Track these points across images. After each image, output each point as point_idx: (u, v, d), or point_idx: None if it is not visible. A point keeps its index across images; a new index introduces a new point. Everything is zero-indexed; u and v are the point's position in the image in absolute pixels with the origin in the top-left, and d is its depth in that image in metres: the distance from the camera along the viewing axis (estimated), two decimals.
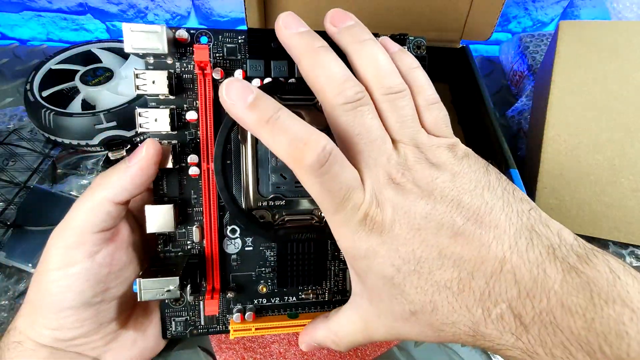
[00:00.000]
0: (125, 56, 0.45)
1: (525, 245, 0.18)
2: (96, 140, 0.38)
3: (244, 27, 0.42)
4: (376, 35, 0.25)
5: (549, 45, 0.40)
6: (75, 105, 0.40)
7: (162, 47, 0.23)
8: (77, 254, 0.23)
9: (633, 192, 0.34)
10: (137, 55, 0.23)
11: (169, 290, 0.23)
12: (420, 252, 0.19)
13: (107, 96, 0.41)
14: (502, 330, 0.18)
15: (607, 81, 0.36)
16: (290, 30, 0.21)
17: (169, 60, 0.25)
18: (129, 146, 0.40)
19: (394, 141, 0.21)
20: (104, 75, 0.42)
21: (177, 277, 0.23)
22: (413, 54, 0.25)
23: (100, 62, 0.44)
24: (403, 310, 0.20)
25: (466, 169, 0.21)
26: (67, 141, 0.38)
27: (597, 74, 0.36)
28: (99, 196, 0.23)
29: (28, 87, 0.41)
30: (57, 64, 0.44)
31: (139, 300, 0.23)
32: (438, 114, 0.22)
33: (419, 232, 0.19)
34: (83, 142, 0.38)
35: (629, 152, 0.34)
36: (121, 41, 0.47)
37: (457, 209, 0.20)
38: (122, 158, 0.32)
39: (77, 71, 0.42)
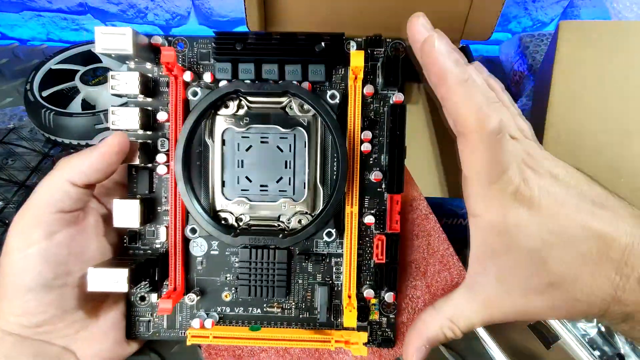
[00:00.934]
0: None
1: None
2: (96, 140, 0.38)
3: (244, 28, 0.42)
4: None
5: (549, 45, 0.40)
6: (75, 105, 0.40)
7: (128, 48, 0.24)
8: (35, 234, 0.23)
9: (633, 192, 0.34)
10: (106, 55, 0.24)
11: (117, 282, 0.23)
12: (567, 224, 0.22)
13: (107, 96, 0.41)
14: (638, 292, 0.21)
15: (607, 81, 0.36)
16: (445, 58, 0.22)
17: (148, 65, 0.26)
18: None
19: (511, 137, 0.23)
20: (104, 75, 0.42)
21: (127, 269, 0.23)
22: (390, 55, 0.26)
23: (100, 62, 0.44)
24: (540, 283, 0.22)
25: (568, 166, 0.24)
26: (67, 141, 0.38)
27: (597, 74, 0.36)
28: (57, 176, 0.24)
29: (28, 87, 0.41)
30: (57, 64, 0.44)
31: (88, 289, 0.23)
32: (525, 124, 0.26)
33: (562, 208, 0.22)
34: (83, 142, 0.38)
35: (628, 153, 0.34)
36: None
37: (583, 195, 0.23)
38: None
39: (77, 71, 0.42)
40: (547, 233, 0.22)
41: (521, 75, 0.49)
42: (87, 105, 0.41)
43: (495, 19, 0.40)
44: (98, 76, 0.42)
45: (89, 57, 0.45)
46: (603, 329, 0.32)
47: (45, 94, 0.41)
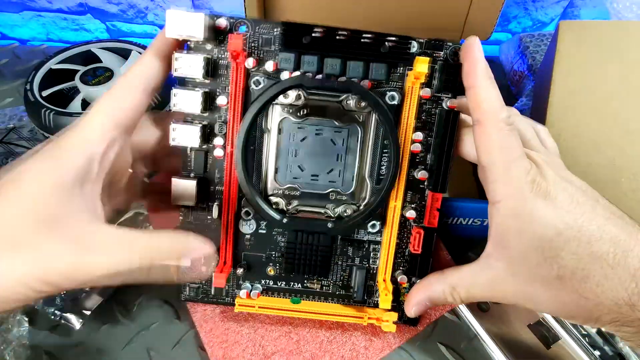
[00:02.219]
0: (125, 56, 0.45)
1: None
2: None
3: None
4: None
5: (549, 45, 0.40)
6: (75, 105, 0.40)
7: (199, 34, 0.24)
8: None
9: (633, 192, 0.34)
10: (177, 39, 0.25)
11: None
12: (582, 221, 0.22)
13: None
14: None
15: (607, 81, 0.36)
16: (480, 53, 0.25)
17: (208, 46, 0.26)
18: None
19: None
20: (104, 75, 0.42)
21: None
22: (451, 61, 0.27)
23: (100, 62, 0.44)
24: (549, 274, 0.23)
25: (584, 183, 0.25)
26: None
27: (597, 74, 0.36)
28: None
29: (28, 87, 0.41)
30: (57, 64, 0.44)
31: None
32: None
33: (579, 205, 0.23)
34: None
35: (629, 152, 0.34)
36: (121, 41, 0.47)
37: (599, 203, 0.23)
38: None
39: (77, 71, 0.42)
40: (562, 223, 0.22)
41: (521, 75, 0.49)
42: (87, 105, 0.41)
43: (495, 18, 0.40)
44: (98, 76, 0.42)
45: (89, 57, 0.45)
46: (603, 329, 0.32)
47: (45, 94, 0.41)
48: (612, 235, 0.22)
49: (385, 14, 0.41)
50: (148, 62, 0.25)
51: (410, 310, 0.28)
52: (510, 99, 0.50)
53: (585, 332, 0.32)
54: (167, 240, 0.23)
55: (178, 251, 0.23)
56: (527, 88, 0.47)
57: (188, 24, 0.24)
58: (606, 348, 0.31)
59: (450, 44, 0.27)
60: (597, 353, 0.31)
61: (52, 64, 0.43)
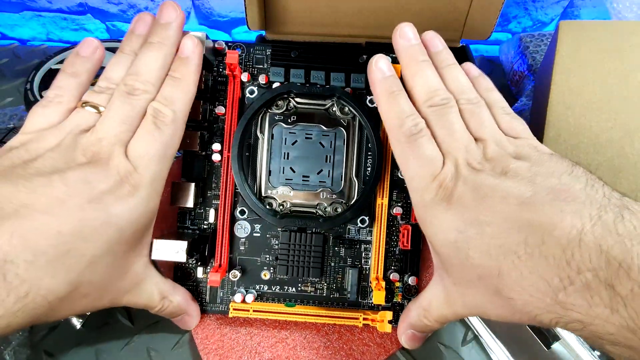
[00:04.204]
0: None
1: (612, 218, 0.18)
2: None
3: (244, 28, 0.42)
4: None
5: (549, 45, 0.40)
6: None
7: (183, 257, 0.27)
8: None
9: (633, 192, 0.34)
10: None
11: (177, 252, 0.27)
12: (484, 217, 0.21)
13: None
14: (590, 301, 0.18)
15: (607, 81, 0.36)
16: (404, 41, 0.27)
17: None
18: None
19: (477, 139, 0.24)
20: None
21: (186, 242, 0.27)
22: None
23: None
24: (471, 275, 0.22)
25: (547, 161, 0.22)
26: None
27: (597, 74, 0.36)
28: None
29: (28, 86, 0.41)
30: (57, 63, 0.44)
31: (151, 257, 0.27)
32: (511, 120, 0.26)
33: (484, 200, 0.21)
34: None
35: (629, 152, 0.34)
36: (121, 41, 0.47)
37: (528, 184, 0.21)
38: None
39: None
40: (462, 223, 0.21)
41: (521, 75, 0.49)
42: None
43: (495, 18, 0.40)
44: (97, 76, 0.42)
45: None
46: (560, 330, 0.32)
47: (45, 93, 0.41)
48: (522, 223, 0.19)
49: (384, 14, 0.41)
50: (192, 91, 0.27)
51: (400, 340, 0.29)
52: (510, 99, 0.50)
53: None
54: (180, 299, 0.29)
55: (182, 310, 0.29)
56: (527, 88, 0.47)
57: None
58: None
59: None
60: (596, 353, 0.31)
61: (52, 64, 0.43)
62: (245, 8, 0.40)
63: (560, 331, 0.31)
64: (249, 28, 0.42)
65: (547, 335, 0.31)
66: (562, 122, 0.36)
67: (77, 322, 0.31)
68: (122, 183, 0.23)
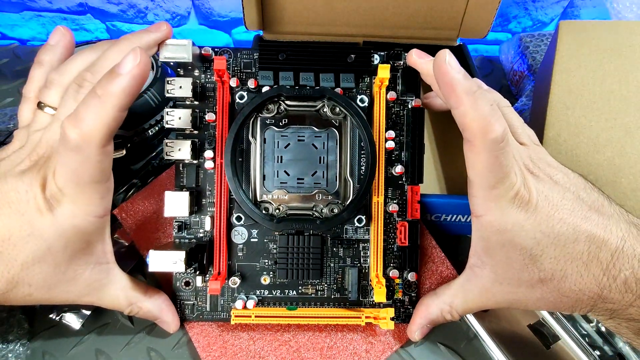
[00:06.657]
0: None
1: (636, 232, 0.24)
2: None
3: (243, 28, 0.42)
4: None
5: (549, 45, 0.40)
6: None
7: (188, 56, 0.27)
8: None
9: (633, 192, 0.34)
10: (167, 64, 0.29)
11: (175, 263, 0.26)
12: (559, 227, 0.24)
13: None
14: (623, 292, 0.23)
15: (607, 81, 0.36)
16: (455, 72, 0.23)
17: (196, 72, 0.30)
18: (128, 145, 0.39)
19: (521, 143, 0.27)
20: None
21: (184, 252, 0.26)
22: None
23: None
24: (531, 278, 0.25)
25: (570, 172, 0.26)
26: None
27: (597, 74, 0.36)
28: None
29: None
30: None
31: (149, 270, 0.26)
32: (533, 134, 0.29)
33: (557, 212, 0.24)
34: None
35: (629, 152, 0.34)
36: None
37: (580, 200, 0.25)
38: (121, 157, 0.32)
39: None
40: (540, 233, 0.24)
41: (521, 75, 0.49)
42: None
43: (492, 16, 0.40)
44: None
45: None
46: (603, 329, 0.32)
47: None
48: (587, 235, 0.24)
49: (382, 13, 0.41)
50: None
51: (414, 336, 0.30)
52: (510, 99, 0.50)
53: (585, 332, 0.32)
54: (151, 307, 0.29)
55: (154, 317, 0.29)
56: (527, 88, 0.47)
57: (177, 49, 0.27)
58: (606, 348, 0.31)
59: (407, 54, 0.30)
60: (596, 353, 0.31)
61: None
62: (243, 9, 0.40)
63: (560, 331, 0.31)
64: (246, 28, 0.42)
65: (547, 335, 0.31)
66: (562, 122, 0.36)
67: (77, 322, 0.31)
68: (45, 198, 0.23)
